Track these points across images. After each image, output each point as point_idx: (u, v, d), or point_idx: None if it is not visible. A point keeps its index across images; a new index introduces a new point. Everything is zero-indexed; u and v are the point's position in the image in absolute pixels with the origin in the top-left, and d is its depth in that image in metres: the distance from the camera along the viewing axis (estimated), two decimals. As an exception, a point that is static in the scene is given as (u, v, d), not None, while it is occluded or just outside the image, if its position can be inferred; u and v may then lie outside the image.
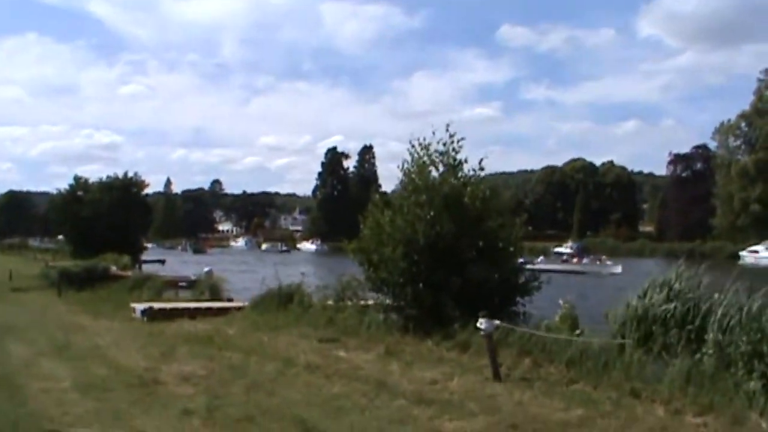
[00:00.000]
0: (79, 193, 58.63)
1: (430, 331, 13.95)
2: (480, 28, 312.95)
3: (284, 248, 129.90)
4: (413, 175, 15.66)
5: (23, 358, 13.23)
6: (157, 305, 19.13)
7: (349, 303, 17.55)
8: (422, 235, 14.57)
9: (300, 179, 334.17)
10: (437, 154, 15.61)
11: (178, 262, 64.27)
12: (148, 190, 62.90)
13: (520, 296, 15.50)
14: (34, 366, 12.36)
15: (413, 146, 15.86)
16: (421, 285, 14.46)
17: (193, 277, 42.30)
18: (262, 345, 14.24)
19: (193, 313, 18.66)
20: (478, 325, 11.17)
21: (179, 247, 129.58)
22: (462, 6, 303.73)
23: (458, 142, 15.53)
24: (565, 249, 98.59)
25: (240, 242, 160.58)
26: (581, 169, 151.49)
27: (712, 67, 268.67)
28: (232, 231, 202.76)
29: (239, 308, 19.04)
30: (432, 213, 14.74)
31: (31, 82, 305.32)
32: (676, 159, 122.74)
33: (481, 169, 15.81)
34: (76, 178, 59.87)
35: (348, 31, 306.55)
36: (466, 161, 15.68)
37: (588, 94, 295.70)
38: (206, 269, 44.92)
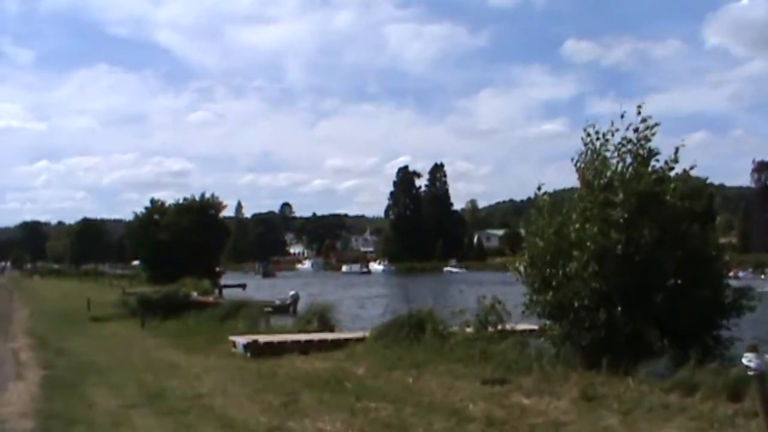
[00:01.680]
0: (156, 216, 56.74)
1: (625, 365, 10.55)
2: (544, 43, 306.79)
3: (364, 269, 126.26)
4: (599, 169, 12.17)
5: (110, 411, 10.28)
6: (261, 338, 15.96)
7: (491, 329, 14.49)
8: (617, 243, 11.10)
9: (368, 201, 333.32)
10: (625, 142, 12.10)
11: (252, 287, 61.43)
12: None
13: (725, 318, 11.98)
14: (125, 424, 9.33)
15: (588, 135, 12.44)
16: (619, 308, 10.97)
17: (277, 302, 39.77)
18: (409, 390, 11.07)
19: (304, 348, 15.54)
20: (744, 361, 7.56)
21: (252, 271, 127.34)
22: (526, 22, 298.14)
23: (652, 128, 12.03)
24: None
25: (306, 264, 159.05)
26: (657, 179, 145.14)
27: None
28: (304, 253, 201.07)
29: (359, 340, 15.83)
30: (626, 215, 11.25)
31: (103, 111, 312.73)
32: (761, 167, 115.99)
33: (675, 161, 12.21)
34: (153, 201, 58.07)
35: (412, 51, 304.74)
36: (658, 153, 12.13)
37: (655, 107, 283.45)
38: (292, 293, 42.30)
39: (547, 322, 12.78)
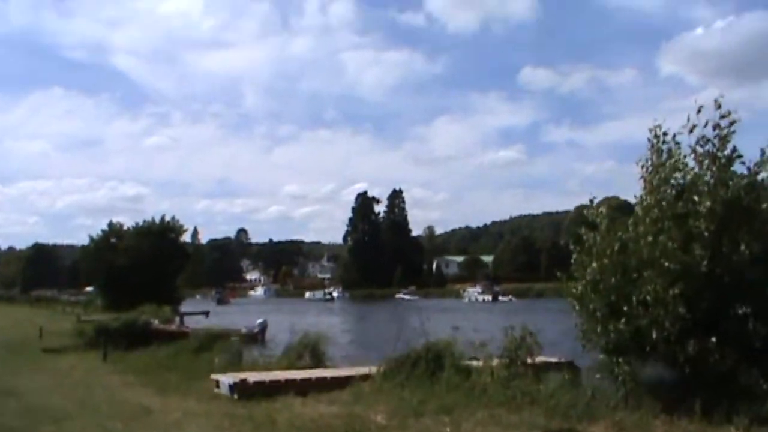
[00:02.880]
0: (113, 240, 53.89)
1: (720, 409, 8.55)
2: (502, 71, 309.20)
3: (329, 296, 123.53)
4: (669, 174, 10.21)
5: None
6: (250, 376, 13.59)
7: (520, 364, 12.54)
8: (701, 260, 9.13)
9: (324, 227, 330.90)
10: (703, 142, 10.16)
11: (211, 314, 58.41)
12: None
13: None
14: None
15: (656, 135, 10.50)
16: (713, 338, 8.98)
17: (244, 330, 37.30)
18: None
19: (301, 388, 13.22)
20: None
21: (207, 298, 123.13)
22: (483, 50, 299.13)
23: (731, 125, 10.12)
24: None
25: (259, 291, 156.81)
26: (617, 207, 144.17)
27: (735, 103, 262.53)
28: (260, 280, 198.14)
29: (364, 378, 13.56)
30: (711, 227, 9.29)
31: (57, 135, 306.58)
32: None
33: (763, 163, 10.25)
34: (110, 225, 55.17)
35: (370, 78, 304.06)
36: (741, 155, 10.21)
37: (610, 135, 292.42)
38: (259, 320, 39.82)
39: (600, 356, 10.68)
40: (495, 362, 12.81)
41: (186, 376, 16.10)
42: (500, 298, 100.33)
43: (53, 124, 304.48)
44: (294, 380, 13.56)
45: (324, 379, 13.88)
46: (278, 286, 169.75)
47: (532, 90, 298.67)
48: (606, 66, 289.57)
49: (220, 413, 11.81)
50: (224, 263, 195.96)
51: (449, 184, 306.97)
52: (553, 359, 14.06)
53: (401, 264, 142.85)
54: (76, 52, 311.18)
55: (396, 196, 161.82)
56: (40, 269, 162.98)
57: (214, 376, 14.09)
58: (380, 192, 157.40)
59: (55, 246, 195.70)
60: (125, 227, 55.31)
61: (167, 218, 55.48)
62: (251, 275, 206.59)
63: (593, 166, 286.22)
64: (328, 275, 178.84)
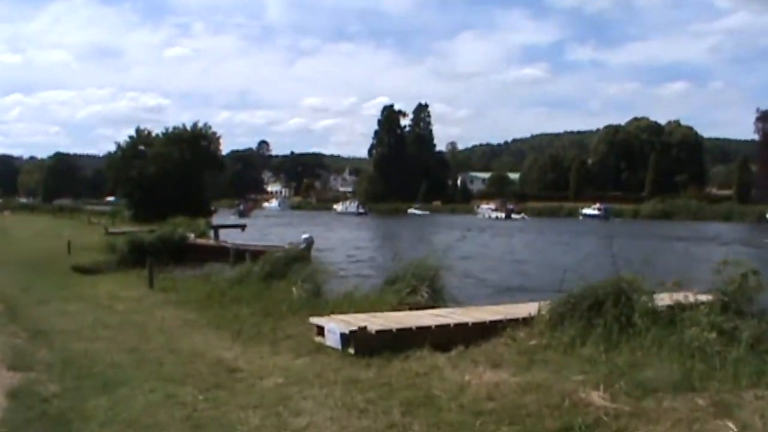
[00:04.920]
0: (141, 147, 50.16)
1: None
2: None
3: (361, 210, 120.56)
4: None
5: None
6: (369, 322, 9.95)
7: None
8: None
9: (345, 141, 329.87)
10: None
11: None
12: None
13: None
14: None
15: None
16: None
17: (288, 246, 33.85)
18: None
19: (438, 338, 9.63)
20: None
21: (231, 209, 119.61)
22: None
23: None
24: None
25: (273, 203, 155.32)
26: (646, 128, 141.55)
27: (764, 29, 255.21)
28: (281, 192, 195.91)
29: (523, 321, 9.99)
30: None
31: (78, 45, 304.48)
32: (765, 116, 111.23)
33: None
34: (138, 131, 51.32)
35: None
36: None
37: (635, 56, 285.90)
38: (305, 236, 36.22)
39: None
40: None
41: (262, 313, 12.49)
42: (513, 216, 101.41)
43: (74, 33, 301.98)
44: (427, 327, 9.91)
45: (465, 325, 10.23)
46: (296, 198, 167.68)
47: (557, 8, 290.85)
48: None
49: (338, 378, 8.26)
50: (246, 175, 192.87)
51: (471, 100, 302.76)
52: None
53: (426, 179, 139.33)
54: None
55: (421, 110, 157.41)
56: (62, 179, 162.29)
57: (314, 320, 10.46)
58: (401, 107, 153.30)
59: (76, 155, 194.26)
60: (154, 134, 51.56)
61: (200, 125, 51.64)
62: (272, 187, 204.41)
63: (616, 86, 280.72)
64: (350, 189, 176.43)
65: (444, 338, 9.73)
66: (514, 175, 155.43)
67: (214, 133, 52.78)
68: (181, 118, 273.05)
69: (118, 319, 12.62)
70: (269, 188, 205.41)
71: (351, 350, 9.28)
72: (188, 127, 51.17)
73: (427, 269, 13.26)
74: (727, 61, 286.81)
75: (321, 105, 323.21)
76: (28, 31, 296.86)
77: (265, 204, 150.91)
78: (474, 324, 10.30)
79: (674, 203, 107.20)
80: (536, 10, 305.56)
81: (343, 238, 52.00)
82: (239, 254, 31.67)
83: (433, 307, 12.17)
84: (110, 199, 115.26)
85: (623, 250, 41.27)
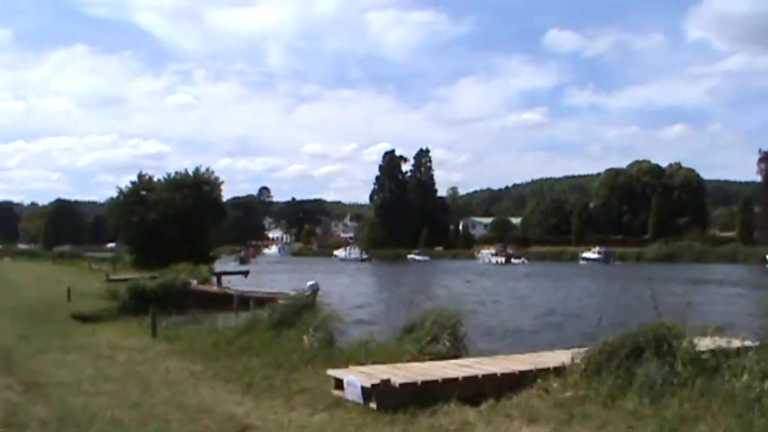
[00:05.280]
0: (143, 192, 49.62)
1: None
2: (527, 33, 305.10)
3: (364, 256, 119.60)
4: None
5: None
6: (391, 374, 9.22)
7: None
8: None
9: (345, 187, 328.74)
10: None
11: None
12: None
13: None
14: None
15: None
16: None
17: (293, 293, 33.07)
18: None
19: (466, 390, 8.90)
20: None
21: (232, 256, 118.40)
22: (509, 11, 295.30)
23: None
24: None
25: (273, 249, 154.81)
26: (647, 171, 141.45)
27: (762, 70, 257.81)
28: (283, 238, 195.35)
29: (555, 371, 9.32)
30: None
31: (80, 93, 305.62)
32: (767, 157, 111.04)
33: None
34: (140, 176, 50.84)
35: (394, 38, 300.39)
36: None
37: (634, 100, 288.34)
38: (310, 283, 35.41)
39: None
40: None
41: (273, 364, 11.70)
42: (513, 260, 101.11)
43: (76, 81, 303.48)
44: (454, 379, 9.18)
45: (493, 376, 9.48)
46: (297, 244, 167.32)
47: (556, 53, 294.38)
48: (632, 29, 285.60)
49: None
50: (246, 221, 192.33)
51: (471, 145, 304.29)
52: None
53: (428, 224, 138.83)
54: (99, 8, 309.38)
55: (422, 156, 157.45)
56: (62, 225, 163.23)
57: (332, 372, 9.72)
58: (402, 152, 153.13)
59: (77, 202, 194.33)
60: (156, 179, 51.06)
61: (201, 170, 51.15)
62: (273, 233, 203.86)
63: (616, 130, 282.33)
64: (351, 234, 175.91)
65: (472, 391, 8.99)
66: (516, 220, 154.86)
67: (217, 178, 52.37)
68: (182, 164, 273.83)
69: (119, 371, 11.86)
70: (270, 234, 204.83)
71: (373, 405, 8.54)
72: (190, 173, 50.73)
73: (448, 316, 12.48)
74: (725, 103, 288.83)
75: (321, 151, 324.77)
76: (30, 79, 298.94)
77: (265, 250, 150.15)
78: (503, 375, 9.57)
79: (677, 245, 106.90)
80: (535, 56, 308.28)
81: (348, 285, 51.15)
82: (243, 301, 30.89)
83: (455, 357, 11.43)
84: (111, 245, 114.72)
85: (638, 295, 40.89)
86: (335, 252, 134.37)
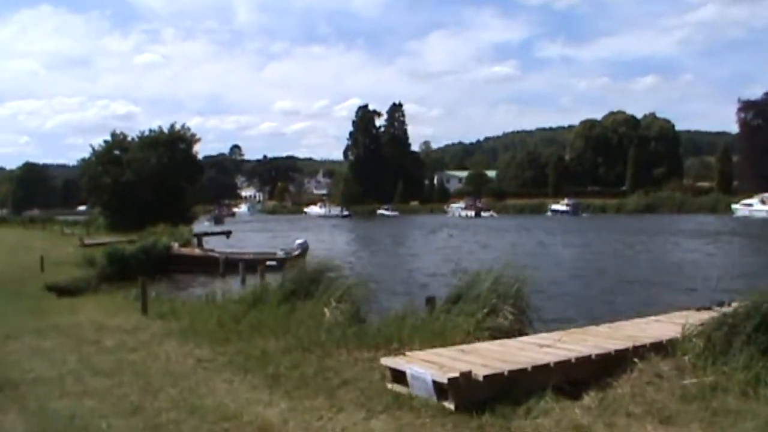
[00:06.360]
0: (116, 152, 46.96)
1: None
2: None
3: (345, 213, 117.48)
4: None
5: None
6: (462, 361, 7.26)
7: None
8: None
9: (317, 143, 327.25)
10: None
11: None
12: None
13: None
14: None
15: None
16: None
17: (280, 253, 31.37)
18: None
19: (558, 376, 6.99)
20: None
21: (207, 216, 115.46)
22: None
23: None
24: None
25: (243, 208, 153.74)
26: (623, 122, 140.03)
27: (733, 21, 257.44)
28: (256, 197, 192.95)
29: (654, 348, 7.44)
30: None
31: (46, 54, 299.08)
32: (746, 106, 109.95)
33: None
34: (113, 135, 48.11)
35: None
36: None
37: (605, 51, 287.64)
38: (299, 241, 33.58)
39: None
40: None
41: (297, 347, 9.61)
42: (482, 214, 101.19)
43: (42, 42, 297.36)
44: (544, 366, 7.23)
45: (587, 359, 7.58)
46: (270, 202, 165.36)
47: (527, 5, 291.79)
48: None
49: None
50: (219, 180, 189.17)
51: (442, 99, 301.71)
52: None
53: (402, 179, 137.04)
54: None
55: (396, 110, 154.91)
56: (32, 189, 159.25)
57: (387, 361, 7.70)
58: (374, 108, 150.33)
59: (45, 166, 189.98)
60: (130, 138, 48.37)
61: (177, 127, 48.51)
62: (246, 192, 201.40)
63: (587, 82, 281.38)
64: (324, 191, 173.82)
65: (564, 378, 7.11)
66: (491, 173, 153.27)
67: (193, 135, 49.84)
68: (152, 124, 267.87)
69: (109, 361, 9.72)
70: (243, 193, 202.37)
71: (449, 404, 6.57)
72: (165, 130, 48.13)
73: (508, 283, 10.44)
74: (697, 54, 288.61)
75: (292, 108, 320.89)
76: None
77: (235, 209, 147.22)
78: (597, 356, 7.64)
79: (657, 196, 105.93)
80: (506, 8, 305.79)
81: (333, 242, 49.23)
82: (230, 264, 28.99)
83: (521, 333, 9.47)
84: (82, 208, 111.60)
85: (634, 250, 39.44)
86: (306, 209, 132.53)
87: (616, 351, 7.82)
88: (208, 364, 9.22)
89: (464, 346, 8.27)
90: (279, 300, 12.45)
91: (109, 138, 48.60)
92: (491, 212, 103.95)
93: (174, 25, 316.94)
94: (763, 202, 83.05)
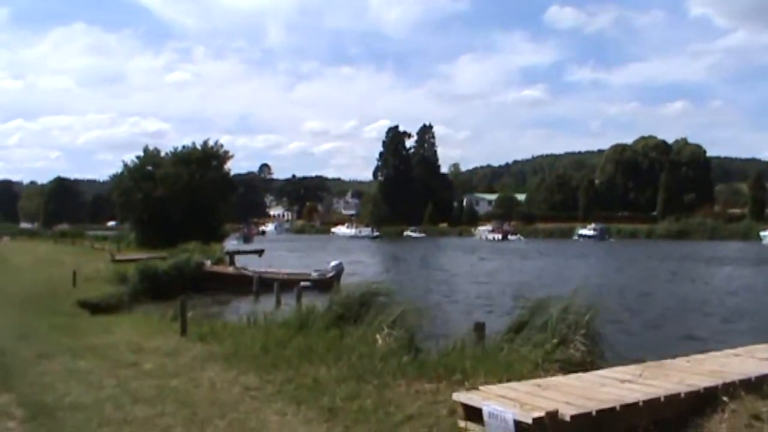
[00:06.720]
0: (149, 167, 46.71)
1: None
2: (528, 9, 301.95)
3: (376, 234, 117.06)
4: None
5: None
6: (540, 396, 6.53)
7: None
8: None
9: (346, 164, 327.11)
10: None
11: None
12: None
13: None
14: None
15: None
16: None
17: (314, 275, 30.83)
18: None
19: (647, 416, 6.30)
20: None
21: (236, 234, 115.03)
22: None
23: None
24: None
25: (270, 227, 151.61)
26: (654, 147, 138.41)
27: (763, 47, 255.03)
28: (284, 215, 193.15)
29: (742, 385, 6.81)
30: None
31: (79, 71, 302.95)
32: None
33: None
34: (146, 150, 47.87)
35: (394, 15, 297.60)
36: None
37: (634, 76, 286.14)
38: (333, 263, 32.98)
39: None
40: None
41: (353, 377, 8.85)
42: (509, 237, 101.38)
43: (75, 59, 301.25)
44: (633, 405, 6.49)
45: (676, 396, 6.84)
46: (299, 222, 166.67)
47: (557, 29, 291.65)
48: (633, 6, 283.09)
49: None
50: (248, 198, 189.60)
51: (471, 122, 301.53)
52: None
53: (431, 201, 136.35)
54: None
55: (426, 132, 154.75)
56: (62, 204, 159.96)
57: (458, 396, 6.96)
58: (403, 130, 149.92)
59: (76, 181, 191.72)
60: (162, 154, 48.13)
61: (210, 143, 48.22)
62: (274, 211, 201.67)
63: (616, 107, 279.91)
64: (352, 211, 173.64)
65: (652, 418, 6.38)
66: (521, 196, 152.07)
67: (226, 152, 49.50)
68: (182, 142, 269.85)
69: (150, 386, 9.06)
70: (271, 212, 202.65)
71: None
72: (198, 146, 47.86)
73: (578, 312, 9.66)
74: (726, 80, 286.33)
75: (321, 128, 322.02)
76: (29, 57, 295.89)
77: (262, 227, 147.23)
78: (687, 394, 6.89)
79: (689, 222, 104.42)
80: (535, 32, 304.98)
81: (365, 264, 48.46)
82: (263, 283, 28.42)
83: (593, 366, 8.71)
84: (111, 223, 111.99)
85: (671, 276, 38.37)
86: (333, 229, 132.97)
87: (705, 388, 7.06)
88: (255, 392, 8.53)
89: (540, 381, 7.53)
90: (327, 324, 11.76)
91: (141, 153, 48.28)
92: (518, 236, 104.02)
93: (205, 43, 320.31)
94: None
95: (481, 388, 7.14)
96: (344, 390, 8.24)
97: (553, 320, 9.47)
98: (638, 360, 8.84)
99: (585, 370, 8.41)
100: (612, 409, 6.35)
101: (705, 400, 6.93)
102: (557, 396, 6.72)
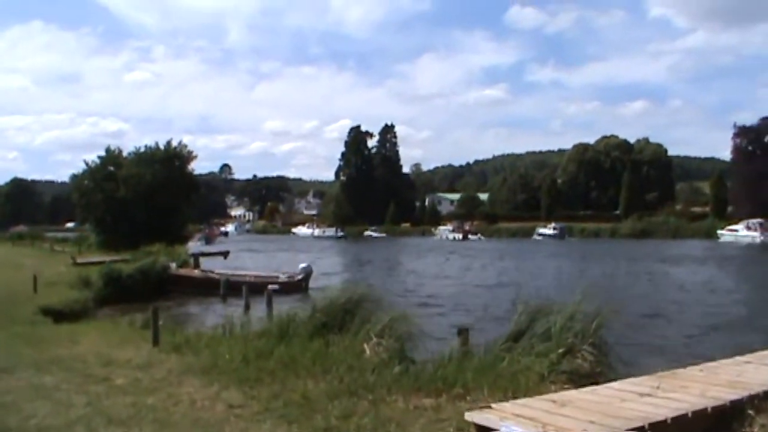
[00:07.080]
0: (111, 168, 45.58)
1: None
2: (489, 9, 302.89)
3: (341, 234, 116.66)
4: None
5: None
6: (558, 414, 5.99)
7: None
8: None
9: (307, 164, 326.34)
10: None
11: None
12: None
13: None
14: None
15: None
16: None
17: (282, 277, 30.25)
18: None
19: (680, 430, 5.80)
20: None
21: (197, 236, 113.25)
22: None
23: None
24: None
25: (230, 227, 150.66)
26: (616, 146, 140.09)
27: (722, 48, 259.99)
28: (245, 216, 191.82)
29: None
30: None
31: (36, 70, 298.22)
32: (742, 131, 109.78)
33: None
34: (108, 151, 46.74)
35: (355, 14, 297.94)
36: None
37: (595, 76, 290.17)
38: (302, 265, 32.34)
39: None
40: None
41: (344, 391, 8.27)
42: (470, 237, 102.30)
43: (32, 58, 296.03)
44: (661, 422, 6.00)
45: (703, 412, 6.37)
46: (260, 222, 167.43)
47: (518, 29, 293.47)
48: (594, 6, 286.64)
49: None
50: (209, 199, 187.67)
51: (432, 122, 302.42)
52: None
53: (393, 201, 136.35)
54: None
55: (388, 131, 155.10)
56: (19, 205, 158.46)
57: (471, 416, 6.38)
58: (364, 129, 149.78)
59: (34, 182, 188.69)
60: (125, 154, 46.99)
61: (174, 143, 47.21)
62: (236, 211, 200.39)
63: (576, 106, 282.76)
64: (314, 211, 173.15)
65: (679, 435, 5.88)
66: (483, 196, 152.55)
67: (190, 152, 48.52)
68: (142, 142, 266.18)
69: (124, 404, 8.26)
70: (232, 212, 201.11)
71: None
72: (161, 146, 46.83)
73: (585, 319, 9.13)
74: (686, 80, 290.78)
75: (282, 128, 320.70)
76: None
77: (221, 228, 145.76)
78: (713, 409, 6.43)
79: (652, 221, 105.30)
80: (497, 32, 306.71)
81: (333, 265, 47.76)
82: (231, 286, 27.62)
83: (602, 377, 8.21)
84: (70, 225, 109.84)
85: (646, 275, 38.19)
86: (294, 230, 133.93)
87: (731, 402, 6.62)
88: (240, 410, 7.84)
89: (554, 396, 7.00)
90: (310, 333, 11.10)
91: (103, 153, 47.13)
92: (478, 235, 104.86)
93: (165, 43, 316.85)
94: (748, 228, 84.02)
95: (493, 406, 6.57)
96: (338, 407, 7.61)
97: (557, 328, 8.93)
98: (647, 369, 8.36)
99: (595, 382, 7.91)
100: (641, 429, 5.84)
101: (732, 414, 6.49)
102: (578, 414, 6.21)
